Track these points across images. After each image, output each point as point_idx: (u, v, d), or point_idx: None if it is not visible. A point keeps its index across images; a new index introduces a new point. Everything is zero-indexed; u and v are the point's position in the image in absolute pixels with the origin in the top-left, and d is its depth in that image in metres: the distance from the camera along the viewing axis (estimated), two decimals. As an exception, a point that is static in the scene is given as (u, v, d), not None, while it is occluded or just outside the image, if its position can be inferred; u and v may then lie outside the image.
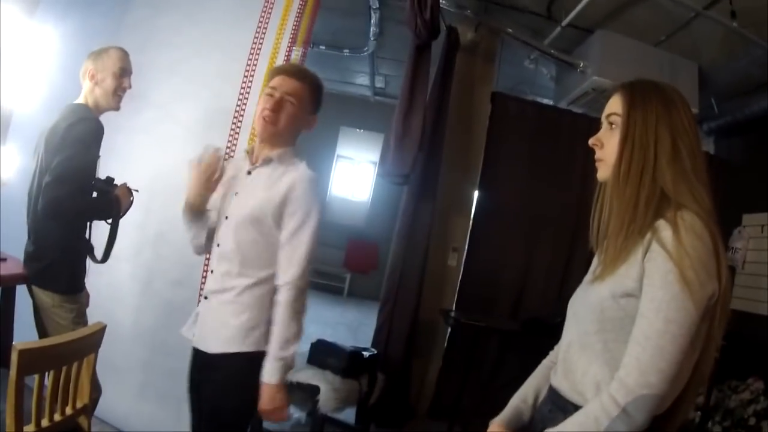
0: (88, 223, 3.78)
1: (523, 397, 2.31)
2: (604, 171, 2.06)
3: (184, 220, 3.06)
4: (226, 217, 2.96)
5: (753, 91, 6.60)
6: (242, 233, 2.90)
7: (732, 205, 6.77)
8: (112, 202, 3.69)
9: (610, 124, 2.06)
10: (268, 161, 2.98)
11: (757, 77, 6.39)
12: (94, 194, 3.69)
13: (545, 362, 2.38)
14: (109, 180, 3.78)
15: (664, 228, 1.81)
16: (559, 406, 2.01)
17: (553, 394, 2.07)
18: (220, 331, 2.91)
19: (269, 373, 2.81)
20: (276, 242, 2.92)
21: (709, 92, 6.93)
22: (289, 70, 3.08)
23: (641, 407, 1.72)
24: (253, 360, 2.86)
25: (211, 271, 2.99)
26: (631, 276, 1.85)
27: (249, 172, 3.00)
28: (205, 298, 3.00)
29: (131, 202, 3.85)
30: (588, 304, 2.00)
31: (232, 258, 2.91)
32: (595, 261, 2.16)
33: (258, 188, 2.94)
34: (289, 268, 2.90)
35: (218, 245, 2.97)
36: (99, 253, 3.81)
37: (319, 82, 3.14)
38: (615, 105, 2.06)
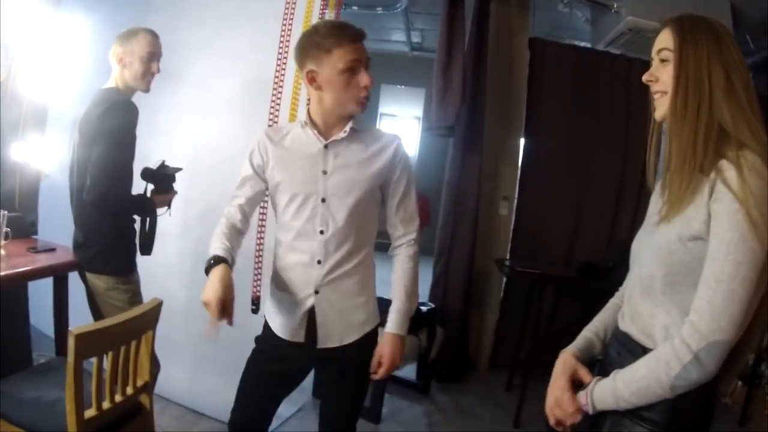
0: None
1: (595, 330, 2.30)
2: (662, 106, 2.00)
3: None
4: (323, 200, 2.77)
5: (786, 26, 6.50)
6: (353, 211, 2.80)
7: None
8: (149, 202, 3.73)
9: (662, 60, 2.01)
10: (353, 134, 2.82)
11: (788, 11, 6.27)
12: (148, 187, 3.77)
13: (614, 300, 2.36)
14: (163, 165, 3.81)
15: (727, 168, 1.77)
16: (629, 348, 2.00)
17: (622, 337, 2.06)
18: (349, 317, 2.88)
19: (398, 325, 2.86)
20: (377, 207, 2.95)
21: (743, 28, 6.79)
22: (356, 34, 2.76)
23: (713, 354, 1.72)
24: (375, 332, 2.96)
25: (318, 262, 2.77)
26: (698, 218, 1.81)
27: (326, 147, 2.80)
28: (316, 292, 2.79)
29: (170, 200, 3.88)
30: (654, 246, 1.96)
31: (343, 241, 2.80)
32: (654, 201, 2.13)
33: (354, 162, 2.82)
34: (408, 227, 2.99)
35: (321, 232, 2.76)
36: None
37: None
38: (665, 40, 2.01)
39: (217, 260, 2.58)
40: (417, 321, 5.30)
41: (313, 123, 2.82)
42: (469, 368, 6.64)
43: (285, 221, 2.83)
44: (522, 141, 6.99)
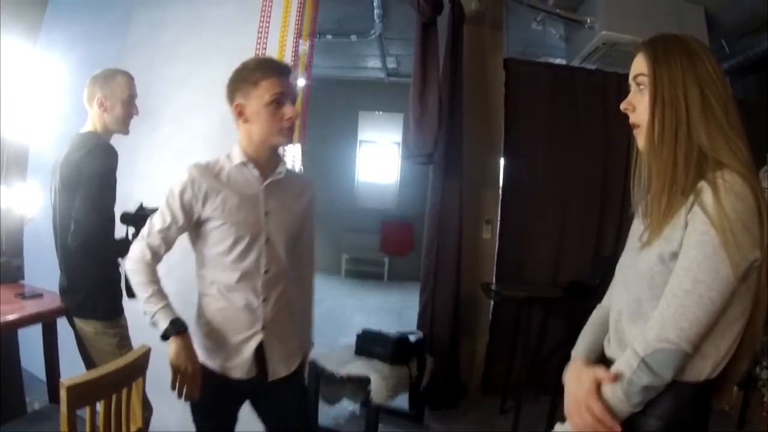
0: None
1: (592, 341, 2.27)
2: (640, 137, 2.02)
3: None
4: (267, 241, 2.86)
5: (761, 28, 6.58)
6: (290, 248, 2.96)
7: (755, 145, 6.56)
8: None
9: (638, 85, 2.02)
10: (284, 176, 2.94)
11: (762, 14, 6.37)
12: (129, 230, 3.72)
13: (597, 313, 2.34)
14: (141, 207, 3.80)
15: (704, 189, 1.79)
16: None
17: (608, 363, 2.02)
18: (289, 347, 3.04)
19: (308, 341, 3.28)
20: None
21: (718, 34, 6.89)
22: (284, 68, 2.90)
23: (659, 360, 1.76)
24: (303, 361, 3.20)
25: (264, 300, 2.87)
26: (676, 238, 1.83)
27: (266, 187, 2.88)
28: (263, 328, 2.88)
29: None
30: (638, 272, 1.97)
31: (282, 277, 2.94)
32: (636, 226, 2.13)
33: (288, 202, 2.96)
34: (312, 259, 3.28)
35: (266, 271, 2.86)
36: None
37: None
38: (639, 65, 2.02)
39: (180, 327, 2.68)
40: (406, 351, 5.32)
41: (250, 161, 2.87)
42: (462, 394, 6.60)
43: (226, 263, 2.84)
44: (502, 162, 6.96)
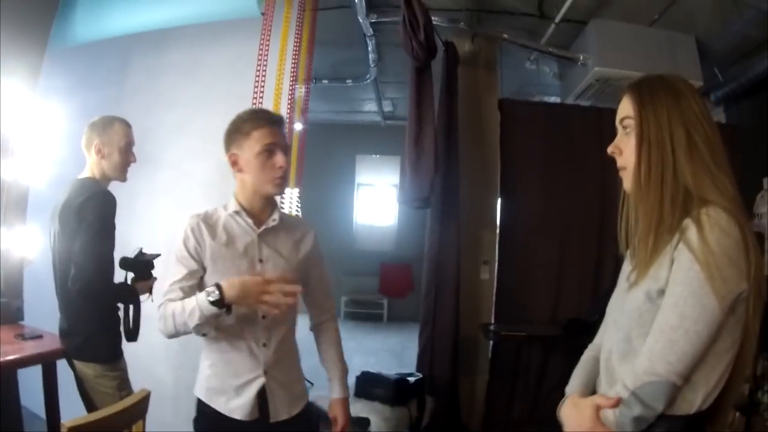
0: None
1: (586, 377, 2.28)
2: (627, 179, 2.06)
3: (209, 320, 2.67)
4: None
5: (753, 53, 6.57)
6: None
7: (751, 171, 6.67)
8: (132, 289, 3.76)
9: (625, 128, 2.06)
10: (279, 221, 2.96)
11: (754, 38, 6.37)
12: (128, 275, 3.79)
13: (589, 353, 2.37)
14: (141, 253, 3.84)
15: (689, 226, 1.82)
16: None
17: None
18: (292, 391, 3.03)
19: (343, 389, 3.18)
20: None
21: (711, 61, 6.89)
22: (274, 118, 2.96)
23: (650, 393, 1.79)
24: (310, 405, 3.17)
25: (264, 345, 2.89)
26: (662, 276, 1.86)
27: (260, 236, 2.92)
28: (265, 372, 2.88)
29: (150, 287, 3.89)
30: (626, 312, 2.00)
31: (283, 322, 2.95)
32: (626, 267, 2.16)
33: (284, 250, 2.98)
34: (327, 303, 3.26)
35: (264, 317, 2.85)
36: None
37: None
38: (625, 108, 2.06)
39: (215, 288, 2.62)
40: (406, 392, 5.34)
41: (243, 209, 2.91)
42: (463, 433, 6.60)
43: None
44: (498, 202, 6.98)
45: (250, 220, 2.89)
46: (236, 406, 2.86)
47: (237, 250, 2.86)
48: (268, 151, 2.83)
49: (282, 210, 3.08)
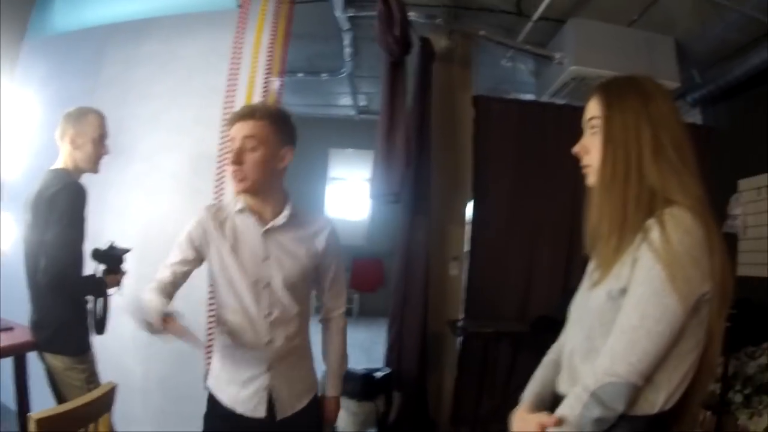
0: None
1: (542, 385, 2.30)
2: (592, 177, 2.07)
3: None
4: (267, 285, 2.88)
5: (732, 56, 6.58)
6: (294, 293, 2.95)
7: (726, 172, 6.79)
8: (101, 282, 3.76)
9: (592, 128, 2.06)
10: (288, 221, 2.94)
11: (733, 41, 6.40)
12: (100, 267, 3.78)
13: (550, 357, 2.38)
14: (112, 247, 3.85)
15: (652, 226, 1.82)
16: None
17: (561, 401, 2.02)
18: (297, 387, 3.05)
19: (336, 388, 3.25)
20: (312, 285, 3.15)
21: (689, 63, 6.91)
22: (238, 113, 2.93)
23: (611, 394, 1.79)
24: (316, 399, 3.18)
25: (269, 341, 2.88)
26: (624, 275, 1.86)
27: (266, 233, 2.90)
28: (269, 369, 2.91)
29: (120, 280, 3.89)
30: (589, 310, 2.01)
31: (289, 320, 2.94)
32: (591, 265, 2.16)
33: (292, 247, 2.96)
34: (337, 302, 3.27)
35: (269, 313, 2.88)
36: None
37: (277, 113, 2.99)
38: (593, 108, 2.06)
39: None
40: (373, 387, 5.39)
41: (248, 207, 2.91)
42: (431, 429, 6.58)
43: (229, 304, 2.88)
44: (470, 199, 6.99)
45: (253, 218, 2.89)
46: (240, 399, 2.90)
47: (241, 247, 2.88)
48: (229, 150, 2.84)
49: (296, 206, 3.03)
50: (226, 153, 2.81)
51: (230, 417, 2.90)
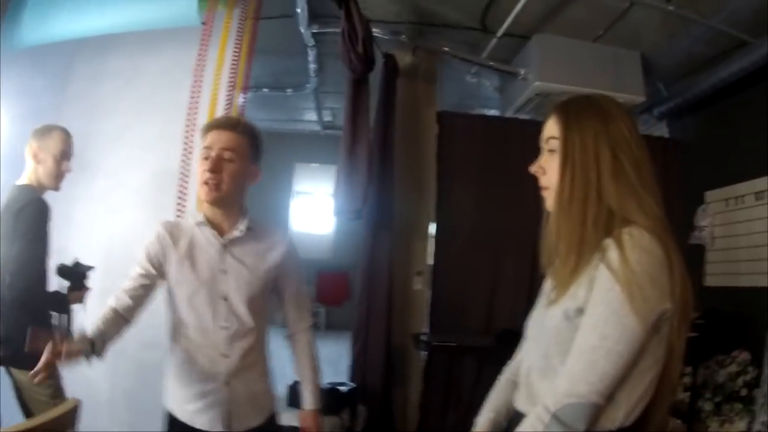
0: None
1: (496, 409, 2.34)
2: (549, 200, 2.07)
3: None
4: (225, 299, 2.87)
5: (698, 69, 6.63)
6: (252, 306, 2.92)
7: (693, 184, 6.89)
8: (65, 298, 3.77)
9: (550, 149, 2.06)
10: (246, 234, 2.94)
11: (700, 55, 6.49)
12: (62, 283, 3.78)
13: (506, 376, 2.42)
14: (77, 264, 3.86)
15: (609, 246, 1.83)
16: None
17: (518, 417, 2.05)
18: (254, 402, 3.02)
19: (315, 400, 3.18)
20: (270, 298, 3.09)
21: (655, 77, 6.96)
22: (220, 123, 2.97)
23: (571, 414, 1.77)
24: (275, 417, 3.18)
25: (225, 356, 2.87)
26: (581, 295, 1.87)
27: (224, 246, 2.90)
28: (226, 383, 2.88)
29: (83, 296, 3.90)
30: (545, 328, 2.01)
31: (246, 334, 2.92)
32: (548, 284, 2.17)
33: (250, 260, 2.95)
34: (303, 315, 3.22)
35: (226, 327, 2.86)
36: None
37: (254, 130, 3.01)
38: (551, 128, 2.06)
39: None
40: (337, 401, 5.40)
41: (207, 220, 2.91)
42: (397, 441, 6.62)
43: (186, 318, 2.87)
44: (434, 214, 7.01)
45: (211, 231, 2.89)
46: (197, 415, 2.88)
47: (199, 260, 2.87)
48: (204, 158, 2.84)
49: (254, 220, 3.03)
50: (203, 159, 2.77)
51: (186, 430, 2.89)
